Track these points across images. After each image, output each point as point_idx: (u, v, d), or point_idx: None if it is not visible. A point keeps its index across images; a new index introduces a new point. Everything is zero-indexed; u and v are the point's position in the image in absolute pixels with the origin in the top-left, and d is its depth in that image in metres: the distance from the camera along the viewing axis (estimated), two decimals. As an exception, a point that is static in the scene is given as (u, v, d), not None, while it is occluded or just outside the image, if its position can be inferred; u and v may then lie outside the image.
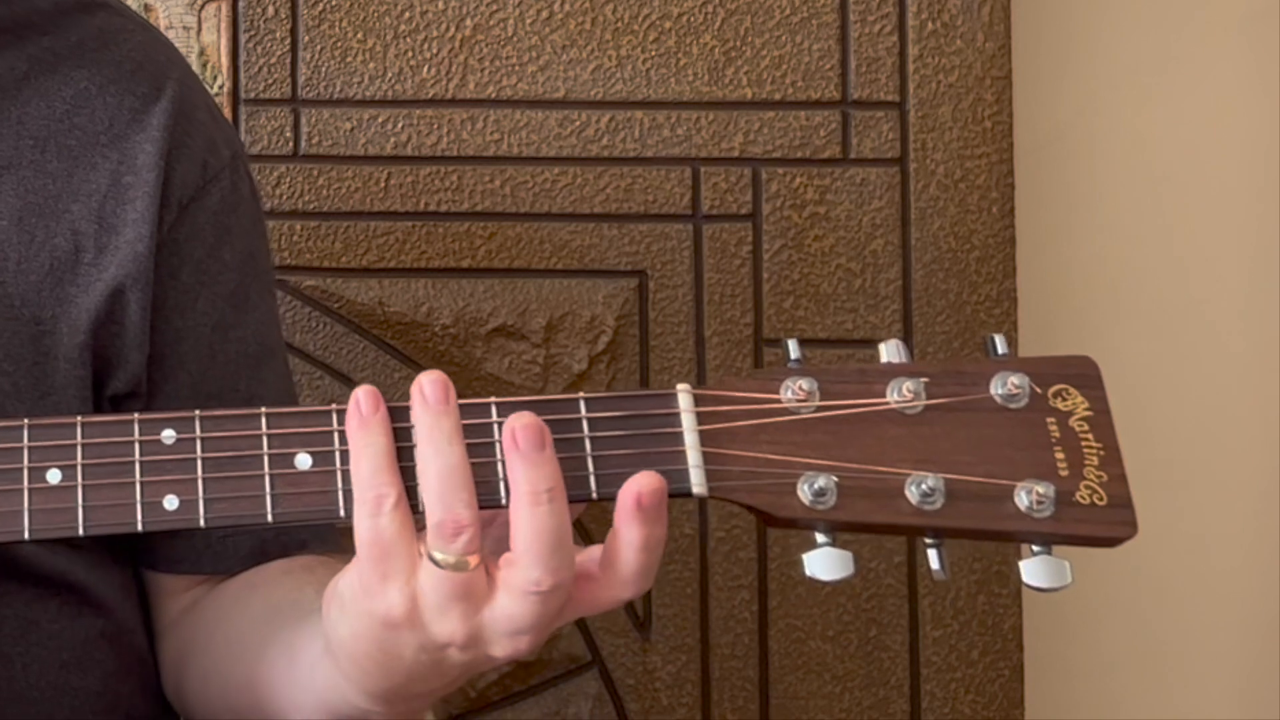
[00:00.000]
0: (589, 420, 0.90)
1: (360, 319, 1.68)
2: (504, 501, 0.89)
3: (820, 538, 0.89)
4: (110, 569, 1.16)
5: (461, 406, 0.90)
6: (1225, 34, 1.82)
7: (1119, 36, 1.83)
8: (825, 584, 0.89)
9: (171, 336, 1.17)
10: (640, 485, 0.88)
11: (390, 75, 1.69)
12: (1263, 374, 1.81)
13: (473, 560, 0.88)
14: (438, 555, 0.87)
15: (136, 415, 0.91)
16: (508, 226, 1.69)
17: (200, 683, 1.15)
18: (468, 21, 1.70)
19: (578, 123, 1.70)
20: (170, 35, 1.62)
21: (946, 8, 1.71)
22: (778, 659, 1.70)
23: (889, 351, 0.92)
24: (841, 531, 0.89)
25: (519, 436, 0.88)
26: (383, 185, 1.69)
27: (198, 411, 0.90)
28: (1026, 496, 0.88)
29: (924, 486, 0.88)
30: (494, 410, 0.90)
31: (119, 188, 1.15)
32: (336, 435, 0.90)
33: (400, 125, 1.69)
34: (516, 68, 1.70)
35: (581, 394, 0.91)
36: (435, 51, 1.69)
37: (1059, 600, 1.80)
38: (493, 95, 1.70)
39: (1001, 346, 0.92)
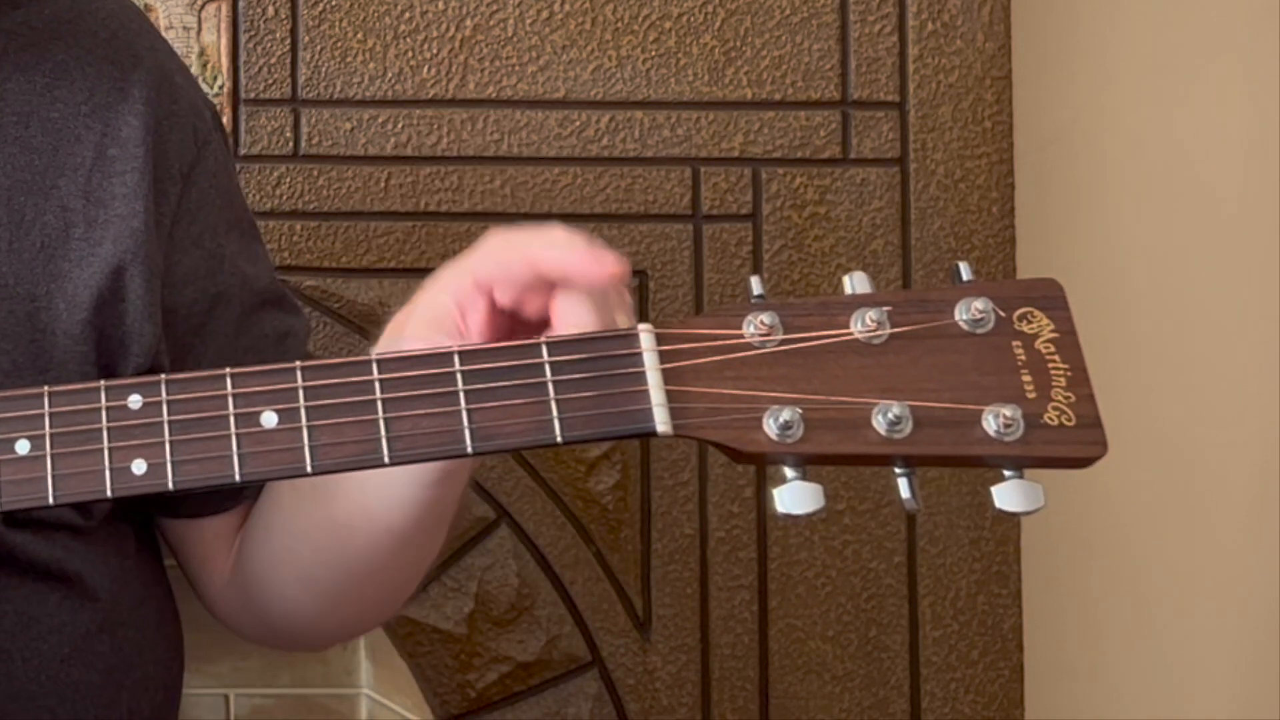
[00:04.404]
0: (551, 364, 0.91)
1: (360, 319, 1.68)
2: (469, 450, 0.89)
3: (789, 472, 0.89)
4: (109, 559, 1.17)
5: (422, 357, 0.91)
6: (1225, 34, 1.82)
7: (1119, 37, 1.83)
8: (797, 519, 0.89)
9: (207, 304, 1.19)
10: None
11: (390, 75, 1.69)
12: (1264, 374, 1.80)
13: None
14: None
15: (103, 382, 0.92)
16: (508, 226, 1.69)
17: (274, 565, 1.19)
18: (468, 21, 1.70)
19: (578, 123, 1.70)
20: (170, 35, 1.62)
21: (946, 8, 1.71)
22: (778, 659, 1.70)
23: (853, 283, 0.92)
24: (810, 464, 0.89)
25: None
26: (383, 185, 1.69)
27: (163, 375, 0.91)
28: (994, 420, 0.88)
29: (890, 415, 0.88)
30: (456, 359, 0.91)
31: (104, 160, 1.16)
32: (301, 392, 0.90)
33: (400, 125, 1.69)
34: (516, 68, 1.70)
35: (544, 338, 0.91)
36: (435, 51, 1.69)
37: (1059, 600, 1.80)
38: (493, 95, 1.70)
39: (966, 273, 0.92)
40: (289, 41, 1.68)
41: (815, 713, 1.70)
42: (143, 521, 1.24)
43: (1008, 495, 0.89)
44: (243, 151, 1.67)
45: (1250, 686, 1.77)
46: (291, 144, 1.68)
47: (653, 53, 1.71)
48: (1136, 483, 1.75)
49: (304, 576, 1.19)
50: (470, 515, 1.67)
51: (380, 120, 1.69)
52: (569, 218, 1.70)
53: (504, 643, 1.68)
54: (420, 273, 1.68)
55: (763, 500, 1.69)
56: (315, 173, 1.69)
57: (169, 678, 1.23)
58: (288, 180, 1.68)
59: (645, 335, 0.91)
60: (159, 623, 1.23)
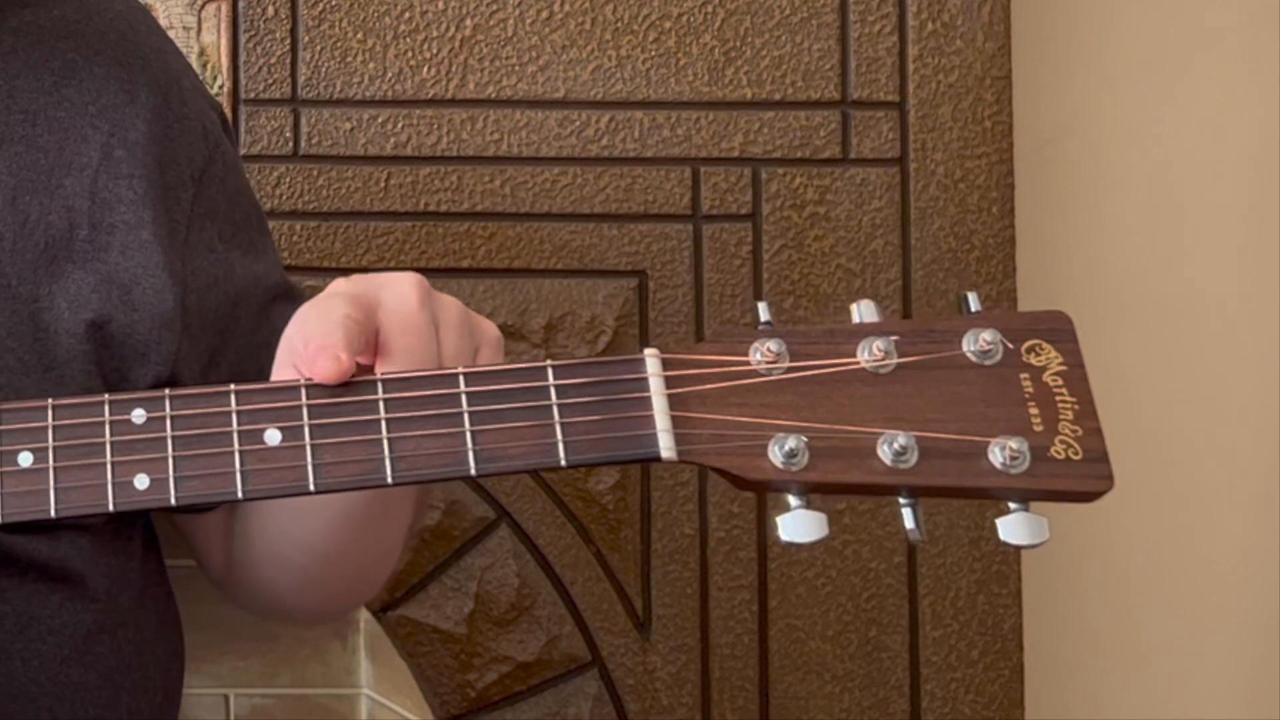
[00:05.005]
0: (556, 388, 0.91)
1: (360, 319, 1.68)
2: (472, 471, 0.89)
3: (793, 500, 0.89)
4: (113, 558, 1.17)
5: (427, 377, 0.91)
6: (1225, 34, 1.82)
7: (1119, 36, 1.83)
8: (800, 547, 0.89)
9: (229, 306, 1.20)
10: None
11: (390, 75, 1.69)
12: (1264, 375, 1.80)
13: None
14: None
15: (107, 396, 0.92)
16: (508, 226, 1.69)
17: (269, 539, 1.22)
18: (468, 21, 1.70)
19: (578, 123, 1.70)
20: (170, 35, 1.62)
21: (946, 8, 1.71)
22: (778, 659, 1.70)
23: (860, 311, 0.92)
24: (814, 493, 0.89)
25: None
26: (383, 185, 1.69)
27: (167, 390, 0.91)
28: (1000, 453, 0.88)
29: (896, 445, 0.88)
30: (461, 381, 0.91)
31: (111, 161, 1.16)
32: (305, 410, 0.90)
33: (400, 125, 1.69)
34: (516, 68, 1.70)
35: (548, 361, 0.91)
36: (435, 51, 1.69)
37: (1059, 600, 1.80)
38: (493, 95, 1.69)
39: (974, 303, 0.92)
40: (289, 41, 1.68)
41: (815, 713, 1.70)
42: (148, 520, 1.25)
43: (1013, 528, 0.89)
44: (243, 151, 1.67)
45: (1250, 687, 1.77)
46: (291, 144, 1.68)
47: (653, 53, 1.71)
48: (1136, 483, 1.75)
49: (276, 556, 1.22)
50: (470, 515, 1.67)
51: (380, 120, 1.69)
52: (569, 218, 1.70)
53: (504, 643, 1.68)
54: (420, 273, 1.69)
55: (763, 500, 1.69)
56: (315, 173, 1.68)
57: (169, 679, 1.24)
58: (288, 180, 1.68)
59: (651, 360, 0.91)
60: (160, 624, 1.24)
